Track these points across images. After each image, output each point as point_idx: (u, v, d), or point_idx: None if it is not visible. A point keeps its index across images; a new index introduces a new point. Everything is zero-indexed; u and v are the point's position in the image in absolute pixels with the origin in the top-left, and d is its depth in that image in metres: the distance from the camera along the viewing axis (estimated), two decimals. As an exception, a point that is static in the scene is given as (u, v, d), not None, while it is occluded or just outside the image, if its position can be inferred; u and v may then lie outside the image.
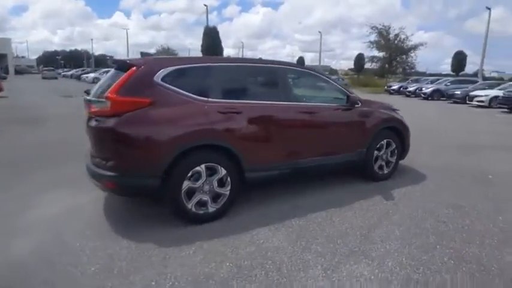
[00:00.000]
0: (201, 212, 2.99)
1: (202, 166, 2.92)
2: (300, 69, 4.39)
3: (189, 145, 2.86)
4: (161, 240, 2.72)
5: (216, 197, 3.05)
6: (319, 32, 45.71)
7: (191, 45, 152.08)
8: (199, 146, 2.91)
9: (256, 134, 3.23)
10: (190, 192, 2.91)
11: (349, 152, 3.98)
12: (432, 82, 24.69)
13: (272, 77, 3.57)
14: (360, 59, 41.22)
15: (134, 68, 2.85)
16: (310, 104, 3.79)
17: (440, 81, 24.44)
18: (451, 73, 41.04)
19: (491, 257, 2.52)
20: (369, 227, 3.01)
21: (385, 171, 4.37)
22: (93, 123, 2.89)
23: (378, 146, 4.22)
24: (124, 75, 2.81)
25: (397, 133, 4.41)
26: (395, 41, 32.37)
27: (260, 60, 4.28)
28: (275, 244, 2.70)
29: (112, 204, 3.44)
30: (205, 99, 3.02)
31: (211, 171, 2.98)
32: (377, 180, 4.28)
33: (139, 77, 2.84)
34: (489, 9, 26.37)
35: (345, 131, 3.95)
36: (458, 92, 19.63)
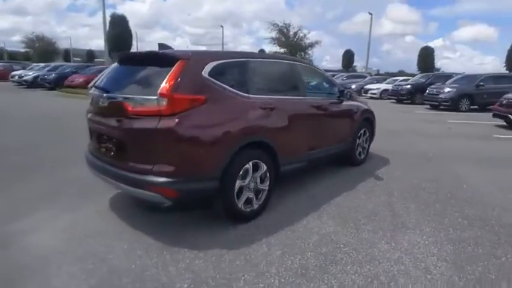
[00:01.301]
0: (248, 210, 2.98)
1: (250, 163, 2.90)
2: (307, 65, 4.58)
3: (243, 143, 2.81)
4: (224, 243, 2.63)
5: (257, 194, 3.06)
6: (221, 26, 46.30)
7: (64, 33, 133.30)
8: (249, 143, 2.88)
9: (286, 128, 3.34)
10: (239, 191, 2.87)
11: (344, 142, 4.44)
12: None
13: (293, 72, 3.72)
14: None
15: (183, 61, 2.61)
16: (319, 98, 4.08)
17: (336, 76, 27.83)
18: (338, 69, 46.99)
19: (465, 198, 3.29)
20: (388, 204, 3.49)
21: (362, 157, 5.00)
22: (133, 124, 2.55)
23: (359, 134, 4.80)
24: (174, 70, 2.54)
25: (370, 122, 5.08)
26: (295, 39, 35.14)
27: (283, 57, 4.33)
28: (331, 229, 2.91)
29: (133, 217, 3.09)
30: (247, 95, 2.98)
31: (255, 168, 2.98)
32: (357, 165, 4.87)
33: (191, 71, 2.63)
34: (371, 14, 31.13)
35: (341, 123, 4.38)
36: (354, 86, 22.74)
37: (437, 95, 13.63)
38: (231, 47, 45.71)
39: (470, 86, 13.00)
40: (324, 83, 4.36)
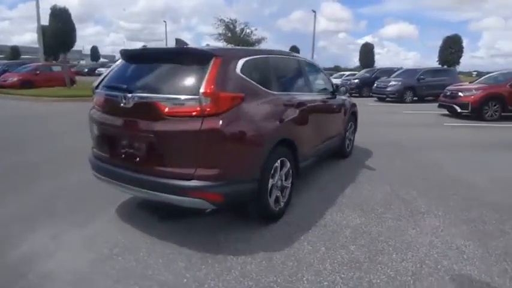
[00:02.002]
0: (277, 208, 2.94)
1: (278, 161, 2.86)
2: (310, 61, 4.56)
3: (276, 140, 2.75)
4: (266, 245, 2.57)
5: (282, 192, 3.04)
6: (164, 21, 44.37)
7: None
8: (278, 141, 2.82)
9: (303, 125, 3.35)
10: (270, 190, 2.82)
11: (338, 135, 4.60)
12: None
13: (302, 68, 3.74)
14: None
15: (218, 58, 2.45)
16: (322, 93, 4.14)
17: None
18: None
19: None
20: (393, 192, 3.70)
21: (349, 149, 5.23)
22: (170, 125, 2.34)
23: (348, 127, 5.01)
24: (212, 67, 2.38)
25: (355, 116, 5.33)
26: (242, 35, 35.21)
27: (293, 54, 4.24)
28: (357, 221, 3.00)
29: (152, 226, 2.85)
30: (271, 92, 2.93)
31: (281, 166, 2.95)
32: (346, 157, 5.09)
33: (228, 69, 2.49)
34: (314, 11, 32.38)
35: (338, 117, 4.53)
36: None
37: (385, 88, 14.76)
38: (170, 43, 44.10)
39: (413, 79, 14.31)
40: (322, 79, 4.45)
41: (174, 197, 2.37)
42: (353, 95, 18.14)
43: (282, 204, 3.01)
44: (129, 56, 2.86)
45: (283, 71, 3.38)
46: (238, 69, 2.59)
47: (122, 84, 2.58)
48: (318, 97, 3.93)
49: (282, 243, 2.61)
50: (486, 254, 2.48)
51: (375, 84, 15.92)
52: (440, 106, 10.35)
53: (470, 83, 11.10)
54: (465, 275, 2.24)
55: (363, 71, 21.38)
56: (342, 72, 23.65)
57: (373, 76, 17.98)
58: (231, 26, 35.03)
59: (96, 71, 37.54)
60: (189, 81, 2.41)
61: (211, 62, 2.41)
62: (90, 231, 2.76)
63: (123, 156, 2.57)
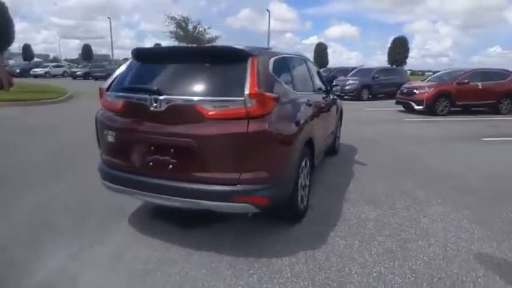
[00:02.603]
0: (302, 207, 3.01)
1: (304, 161, 2.93)
2: (311, 61, 4.61)
3: (305, 140, 2.81)
4: (302, 244, 2.61)
5: (303, 190, 3.11)
6: (109, 18, 41.74)
7: None
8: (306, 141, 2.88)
9: (316, 124, 3.44)
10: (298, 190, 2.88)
11: (333, 133, 4.79)
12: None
13: (309, 68, 3.83)
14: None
15: (254, 57, 2.41)
16: (323, 93, 4.28)
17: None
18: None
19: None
20: (391, 184, 3.98)
21: (337, 145, 5.48)
22: (213, 129, 2.25)
23: (338, 125, 5.24)
24: (251, 67, 2.34)
25: (342, 114, 5.58)
26: (195, 33, 34.51)
27: (301, 53, 4.25)
28: (375, 213, 3.18)
29: (174, 234, 2.75)
30: (294, 91, 2.98)
31: (305, 165, 3.02)
32: (335, 153, 5.33)
33: (265, 68, 2.48)
34: (268, 11, 32.86)
35: (333, 116, 4.70)
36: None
37: (343, 86, 15.53)
38: (109, 41, 41.59)
39: (368, 78, 15.27)
40: (320, 78, 4.60)
41: (218, 204, 2.31)
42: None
43: (305, 202, 3.09)
44: (148, 55, 2.72)
45: (298, 71, 3.45)
46: (270, 69, 2.59)
47: (150, 86, 2.43)
48: (321, 96, 4.08)
49: (316, 240, 2.68)
50: (490, 233, 2.81)
51: (333, 83, 16.68)
52: (397, 103, 11.22)
53: (421, 81, 12.17)
54: (484, 254, 2.51)
55: (321, 70, 22.30)
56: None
57: (330, 75, 18.83)
58: (183, 24, 34.17)
59: (32, 72, 34.18)
60: (229, 82, 2.35)
61: (249, 62, 2.38)
62: (111, 247, 2.57)
63: (151, 163, 2.43)
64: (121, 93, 2.56)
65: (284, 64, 3.03)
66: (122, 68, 2.77)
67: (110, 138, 2.58)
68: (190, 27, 34.39)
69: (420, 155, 5.43)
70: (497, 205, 3.40)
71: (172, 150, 2.36)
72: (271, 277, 2.21)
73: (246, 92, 2.23)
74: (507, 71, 10.90)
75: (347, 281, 2.19)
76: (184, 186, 2.33)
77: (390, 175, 4.34)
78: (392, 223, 3.00)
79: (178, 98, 2.34)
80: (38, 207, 3.24)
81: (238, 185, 2.27)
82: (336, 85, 5.42)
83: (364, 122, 9.14)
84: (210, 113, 2.25)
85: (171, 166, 2.37)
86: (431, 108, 9.99)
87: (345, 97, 15.58)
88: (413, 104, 10.32)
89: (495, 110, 10.48)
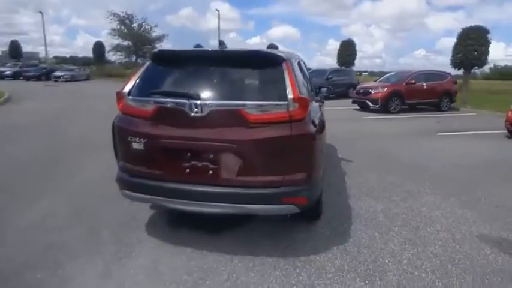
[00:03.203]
0: (320, 206, 3.14)
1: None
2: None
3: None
4: (336, 242, 2.75)
5: (318, 189, 3.25)
6: (40, 12, 37.92)
7: None
8: None
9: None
10: None
11: None
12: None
13: (306, 71, 3.95)
14: (100, 47, 38.25)
15: (287, 62, 2.47)
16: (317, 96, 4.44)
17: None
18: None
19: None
20: (382, 179, 4.31)
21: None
22: (258, 133, 2.26)
23: (321, 125, 5.50)
24: (288, 71, 2.39)
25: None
26: (140, 31, 32.95)
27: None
28: (380, 207, 3.44)
29: (203, 242, 2.71)
30: (311, 94, 3.09)
31: None
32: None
33: (296, 72, 2.54)
34: (218, 11, 32.62)
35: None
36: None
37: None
38: (34, 37, 37.87)
39: (322, 78, 16.03)
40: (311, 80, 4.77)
41: (264, 207, 2.34)
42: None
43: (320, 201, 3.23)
44: (174, 58, 2.64)
45: (304, 74, 3.57)
46: (298, 73, 2.68)
47: (188, 90, 2.36)
48: (318, 99, 4.26)
49: (341, 236, 2.83)
50: (481, 217, 3.23)
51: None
52: (353, 102, 12.00)
53: (374, 81, 13.15)
54: (483, 234, 2.89)
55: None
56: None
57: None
58: (127, 21, 32.44)
59: None
60: (267, 86, 2.40)
61: (284, 66, 2.43)
62: (143, 260, 2.44)
63: (188, 170, 2.37)
64: (152, 98, 2.44)
65: (300, 67, 3.13)
66: (141, 71, 2.62)
67: (137, 145, 2.44)
68: (135, 24, 32.79)
69: (391, 150, 5.92)
70: (473, 191, 3.89)
71: (212, 155, 2.33)
72: (318, 274, 2.31)
73: (290, 96, 2.29)
74: (445, 72, 12.31)
75: (385, 270, 2.37)
76: (228, 192, 2.31)
77: (376, 170, 4.69)
78: (399, 214, 3.28)
79: (221, 102, 2.32)
80: (33, 225, 2.93)
81: (281, 187, 2.32)
82: (324, 86, 5.66)
83: (327, 120, 9.62)
84: (254, 117, 2.27)
85: (211, 172, 2.33)
86: (385, 107, 10.88)
87: (302, 97, 16.24)
88: (369, 103, 11.14)
89: (437, 107, 11.76)
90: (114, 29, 32.13)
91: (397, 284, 2.21)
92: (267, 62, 2.48)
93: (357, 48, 21.17)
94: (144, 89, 2.51)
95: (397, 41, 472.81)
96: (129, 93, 2.53)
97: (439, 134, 7.63)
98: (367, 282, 2.23)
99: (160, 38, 33.91)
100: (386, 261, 2.48)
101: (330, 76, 16.23)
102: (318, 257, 2.50)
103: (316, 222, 3.04)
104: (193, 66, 2.58)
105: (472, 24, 13.27)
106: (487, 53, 12.85)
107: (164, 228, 2.93)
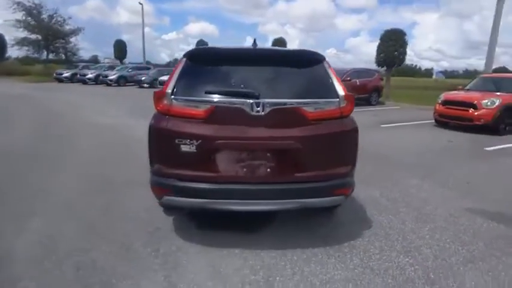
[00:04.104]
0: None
1: None
2: None
3: None
4: (360, 232, 3.00)
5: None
6: None
7: None
8: None
9: None
10: None
11: None
12: (111, 68, 25.87)
13: None
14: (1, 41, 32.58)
15: (326, 60, 2.61)
16: None
17: (120, 67, 26.07)
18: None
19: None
20: (362, 168, 4.76)
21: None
22: (317, 129, 2.40)
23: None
24: (330, 69, 2.57)
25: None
26: (51, 23, 29.21)
27: None
28: (378, 194, 3.83)
29: (246, 242, 2.71)
30: None
31: None
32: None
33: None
34: (141, 4, 30.64)
35: None
36: (144, 78, 22.41)
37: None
38: None
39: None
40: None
41: (321, 200, 2.46)
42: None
43: None
44: (216, 57, 2.59)
45: None
46: None
47: (246, 89, 2.35)
48: None
49: (363, 221, 3.09)
50: (460, 194, 3.86)
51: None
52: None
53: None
54: (470, 208, 3.44)
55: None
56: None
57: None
58: (35, 12, 28.45)
59: None
60: (317, 83, 2.51)
61: (326, 64, 2.59)
62: (201, 266, 2.35)
63: (245, 169, 2.36)
64: (206, 98, 2.35)
65: None
66: (178, 71, 2.47)
67: (187, 148, 2.32)
68: (44, 16, 28.96)
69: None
70: (439, 173, 4.58)
71: (270, 153, 2.36)
72: (368, 256, 2.52)
73: (341, 93, 2.46)
74: (374, 70, 13.83)
75: (417, 245, 2.71)
76: (287, 188, 2.37)
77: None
78: (397, 197, 3.70)
79: (281, 101, 2.36)
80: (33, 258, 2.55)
81: (333, 180, 2.47)
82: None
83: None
84: (312, 114, 2.38)
85: (269, 169, 2.36)
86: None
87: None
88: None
89: (367, 102, 13.15)
90: (19, 20, 27.93)
91: (433, 255, 2.55)
92: (311, 60, 2.60)
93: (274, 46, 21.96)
94: (191, 88, 2.41)
95: (311, 39, 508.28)
96: (172, 94, 2.38)
97: (382, 125, 8.61)
98: (410, 257, 2.52)
99: (75, 32, 30.62)
100: (413, 237, 2.82)
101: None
102: (357, 242, 2.71)
103: (334, 212, 3.24)
104: (235, 64, 2.55)
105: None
106: (405, 53, 14.86)
107: (195, 232, 2.82)
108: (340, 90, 2.48)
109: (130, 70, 24.72)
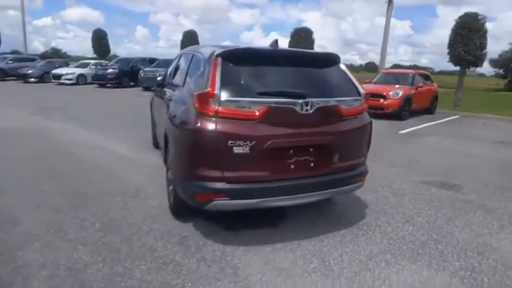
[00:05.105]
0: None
1: None
2: None
3: None
4: (372, 221, 3.45)
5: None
6: None
7: None
8: None
9: None
10: None
11: None
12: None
13: None
14: None
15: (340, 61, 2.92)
16: None
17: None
18: None
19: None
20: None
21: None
22: (349, 124, 2.71)
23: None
24: (347, 69, 2.88)
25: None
26: None
27: None
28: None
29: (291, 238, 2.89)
30: None
31: None
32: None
33: None
34: None
35: None
36: (31, 71, 19.10)
37: (157, 77, 15.40)
38: None
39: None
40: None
41: (351, 186, 2.82)
42: (111, 84, 17.12)
43: None
44: (251, 58, 2.63)
45: None
46: None
47: (294, 90, 2.52)
48: None
49: (369, 203, 3.51)
50: (412, 170, 4.74)
51: (141, 74, 16.13)
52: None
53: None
54: (427, 181, 4.30)
55: (114, 60, 20.59)
56: (87, 61, 21.01)
57: (131, 65, 17.94)
58: None
59: None
60: (341, 83, 2.80)
61: (341, 64, 2.90)
62: (258, 266, 2.39)
63: (292, 166, 2.51)
64: (258, 99, 2.40)
65: None
66: (218, 72, 2.41)
67: (240, 149, 2.35)
68: None
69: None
70: (383, 155, 5.47)
71: (313, 148, 2.57)
72: (383, 229, 2.98)
73: (362, 91, 2.82)
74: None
75: (410, 215, 3.32)
76: (327, 179, 2.63)
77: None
78: (368, 178, 4.25)
79: (325, 100, 2.59)
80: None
81: (357, 169, 2.85)
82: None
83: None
84: (346, 111, 2.69)
85: (312, 164, 2.58)
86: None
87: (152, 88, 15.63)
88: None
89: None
90: None
91: (425, 221, 3.19)
92: (333, 62, 2.87)
93: (167, 36, 21.55)
94: (237, 89, 2.42)
95: (205, 32, 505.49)
96: (214, 96, 2.34)
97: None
98: (412, 225, 3.09)
99: None
100: (402, 209, 3.43)
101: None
102: (374, 224, 3.09)
103: (339, 199, 3.57)
104: (271, 65, 2.66)
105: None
106: (312, 49, 16.38)
107: (225, 234, 2.81)
108: (361, 88, 2.86)
109: (10, 62, 20.58)
